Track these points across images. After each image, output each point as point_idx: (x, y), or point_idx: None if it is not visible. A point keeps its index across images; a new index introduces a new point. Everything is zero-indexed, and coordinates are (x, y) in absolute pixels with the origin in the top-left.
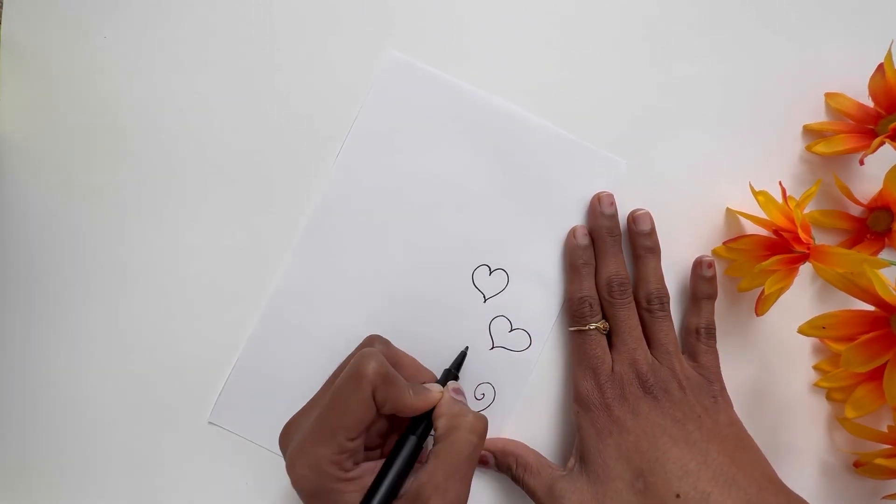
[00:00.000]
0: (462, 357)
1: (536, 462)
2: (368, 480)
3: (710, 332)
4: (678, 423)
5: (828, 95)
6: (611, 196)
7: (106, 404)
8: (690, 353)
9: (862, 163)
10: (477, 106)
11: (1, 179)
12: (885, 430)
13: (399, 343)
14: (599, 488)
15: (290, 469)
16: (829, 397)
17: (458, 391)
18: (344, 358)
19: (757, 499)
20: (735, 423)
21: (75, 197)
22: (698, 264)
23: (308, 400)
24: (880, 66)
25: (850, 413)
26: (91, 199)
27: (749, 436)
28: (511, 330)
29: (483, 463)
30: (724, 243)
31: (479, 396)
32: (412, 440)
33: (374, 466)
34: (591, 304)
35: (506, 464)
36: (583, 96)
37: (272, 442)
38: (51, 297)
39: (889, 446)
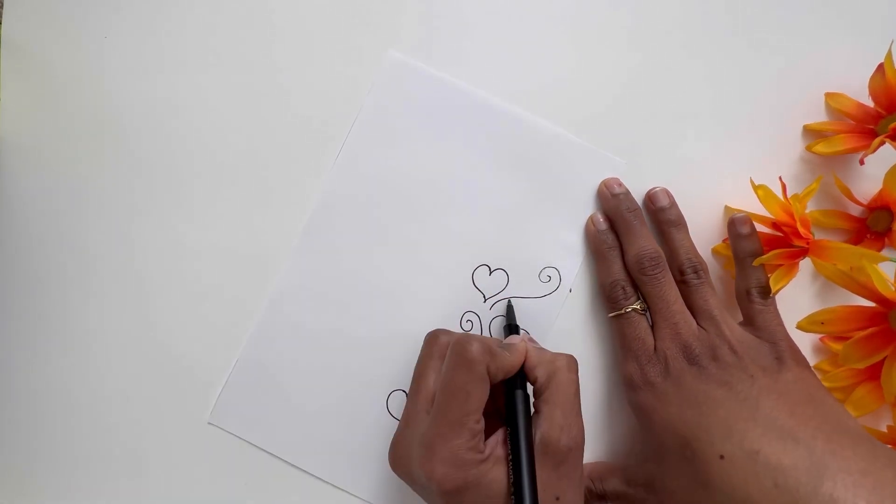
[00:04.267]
0: (511, 309)
1: (604, 468)
2: (500, 450)
3: (763, 291)
4: (725, 386)
5: (828, 95)
6: (617, 178)
7: (105, 404)
8: (747, 318)
9: (862, 163)
10: (476, 106)
11: (1, 179)
12: (884, 430)
13: (399, 343)
14: (661, 467)
15: (430, 474)
16: None
17: (531, 338)
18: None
19: (823, 451)
20: (805, 380)
21: (75, 197)
22: (732, 223)
23: (402, 420)
24: (880, 66)
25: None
26: (91, 198)
27: (827, 394)
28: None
29: None
30: (724, 241)
31: None
32: (521, 394)
33: (497, 436)
34: (623, 287)
35: (587, 489)
36: (582, 96)
37: (271, 443)
38: (50, 298)
39: (889, 446)
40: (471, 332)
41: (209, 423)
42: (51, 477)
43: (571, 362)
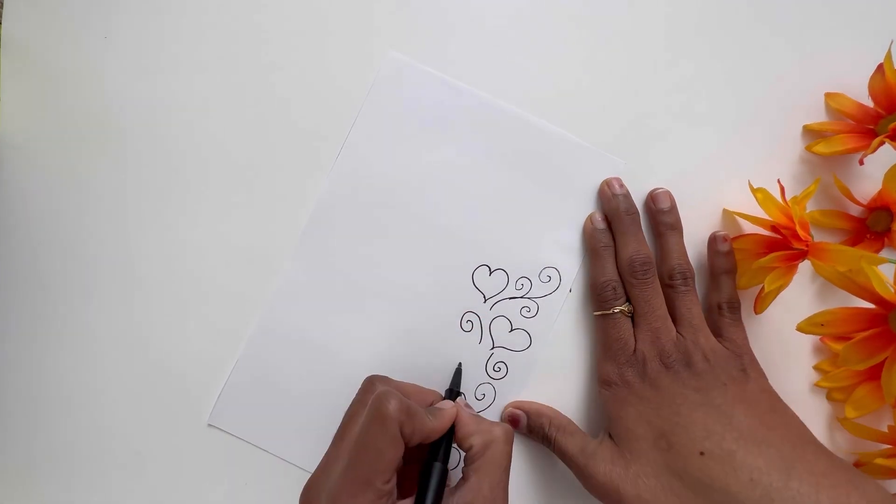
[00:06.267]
0: (458, 374)
1: (570, 425)
2: None
3: (733, 306)
4: (700, 392)
5: (828, 95)
6: (619, 178)
7: (104, 404)
8: (716, 330)
9: (862, 163)
10: (476, 106)
11: (1, 179)
12: (885, 430)
13: (399, 344)
14: (625, 449)
15: None
16: (829, 397)
17: (468, 405)
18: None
19: (792, 455)
20: (767, 391)
21: (75, 197)
22: (713, 240)
23: (324, 455)
24: (880, 66)
25: (850, 413)
26: (91, 199)
27: (785, 404)
28: (511, 330)
29: (514, 423)
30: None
31: (480, 396)
32: (438, 467)
33: (409, 501)
34: (614, 288)
35: (538, 424)
36: (582, 97)
37: (271, 443)
38: (50, 298)
39: (889, 446)
40: (405, 383)
41: (209, 424)
42: (51, 477)
43: (508, 434)
